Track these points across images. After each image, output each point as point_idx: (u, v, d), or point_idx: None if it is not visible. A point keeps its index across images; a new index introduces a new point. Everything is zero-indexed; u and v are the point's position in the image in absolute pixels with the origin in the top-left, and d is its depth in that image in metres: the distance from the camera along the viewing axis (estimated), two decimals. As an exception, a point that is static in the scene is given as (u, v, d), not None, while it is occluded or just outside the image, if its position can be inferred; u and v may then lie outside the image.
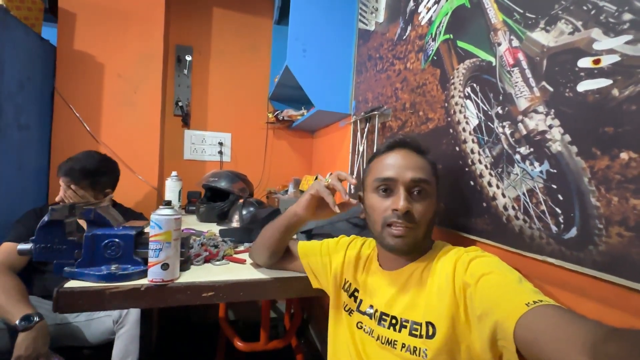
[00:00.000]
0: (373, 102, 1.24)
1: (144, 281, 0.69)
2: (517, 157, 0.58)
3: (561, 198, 0.50)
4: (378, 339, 0.58)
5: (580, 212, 0.47)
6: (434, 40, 0.85)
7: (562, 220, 0.50)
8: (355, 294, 0.67)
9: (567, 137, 0.49)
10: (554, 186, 0.51)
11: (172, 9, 1.87)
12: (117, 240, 0.72)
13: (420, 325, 0.53)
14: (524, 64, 0.58)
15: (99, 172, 1.23)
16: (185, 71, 1.92)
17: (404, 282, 0.59)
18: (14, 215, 1.21)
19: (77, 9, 1.53)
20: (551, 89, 0.52)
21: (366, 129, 1.24)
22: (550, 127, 0.52)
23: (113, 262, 0.71)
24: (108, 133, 1.59)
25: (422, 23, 0.92)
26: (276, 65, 2.03)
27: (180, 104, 1.90)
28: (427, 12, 0.90)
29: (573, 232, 0.48)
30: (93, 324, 1.09)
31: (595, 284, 0.45)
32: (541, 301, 0.40)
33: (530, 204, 0.55)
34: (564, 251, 0.49)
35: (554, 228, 0.51)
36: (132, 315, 1.05)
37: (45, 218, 0.69)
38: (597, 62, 0.46)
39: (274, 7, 2.00)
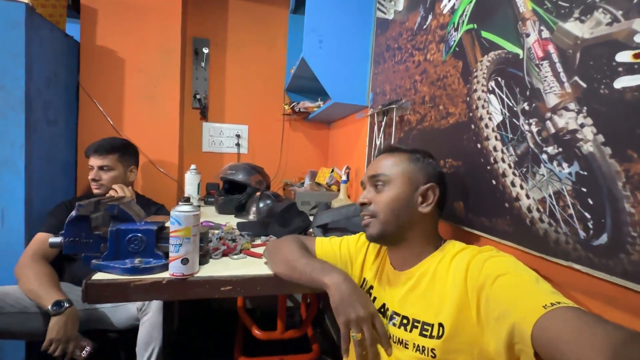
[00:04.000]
0: (391, 94, 1.21)
1: (165, 274, 0.72)
2: (544, 157, 0.55)
3: (591, 202, 0.47)
4: (389, 337, 0.58)
5: (612, 218, 0.44)
6: (456, 30, 0.81)
7: (591, 226, 0.47)
8: (371, 291, 0.67)
9: (601, 138, 0.46)
10: (584, 189, 0.48)
11: (189, 1, 1.87)
12: (139, 235, 0.74)
13: (432, 326, 0.53)
14: (555, 57, 0.54)
15: (124, 147, 1.34)
16: (203, 64, 1.93)
17: (415, 282, 0.59)
18: (45, 206, 1.28)
19: (99, 5, 1.56)
20: (584, 85, 0.49)
21: (383, 122, 1.21)
22: (582, 126, 0.49)
23: (136, 255, 0.74)
24: (130, 127, 1.63)
25: (444, 12, 0.87)
26: (292, 56, 2.01)
27: (198, 96, 1.93)
28: (449, 0, 0.85)
29: (603, 238, 0.45)
30: (119, 310, 1.14)
31: (626, 294, 0.43)
32: (559, 303, 0.39)
33: (556, 206, 0.53)
34: (592, 258, 0.47)
35: (582, 233, 0.48)
36: (155, 303, 1.10)
37: (73, 213, 0.72)
38: (637, 56, 0.42)
39: (290, -4, 1.96)
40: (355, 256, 0.73)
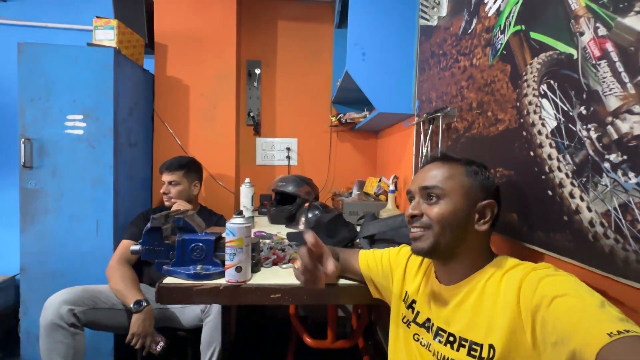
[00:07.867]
0: (437, 101, 1.17)
1: (222, 281, 0.79)
2: (606, 165, 0.50)
3: (665, 217, 0.42)
4: (434, 354, 0.57)
5: (691, 235, 0.39)
6: (502, 32, 0.78)
7: (666, 244, 0.41)
8: (413, 305, 0.66)
9: (673, 143, 0.41)
10: (656, 202, 0.43)
11: (242, 28, 2.05)
12: (200, 244, 0.84)
13: (481, 346, 0.50)
14: (614, 56, 0.49)
15: (189, 164, 1.53)
16: (255, 84, 2.08)
17: (462, 298, 0.56)
18: (128, 216, 1.49)
19: (168, 41, 1.80)
20: (650, 85, 0.44)
21: (430, 130, 1.18)
22: (650, 130, 0.44)
23: (198, 263, 0.83)
24: (194, 145, 1.83)
25: (489, 14, 0.84)
26: (338, 68, 2.06)
27: (251, 114, 2.08)
28: (494, 2, 0.82)
29: (682, 258, 0.40)
30: (186, 310, 1.28)
31: None
32: (628, 331, 0.35)
33: (623, 221, 0.47)
34: (670, 281, 0.41)
35: (655, 252, 0.43)
36: (215, 306, 1.21)
37: (148, 225, 0.84)
38: None
39: (334, 12, 2.03)
40: (395, 268, 0.72)
